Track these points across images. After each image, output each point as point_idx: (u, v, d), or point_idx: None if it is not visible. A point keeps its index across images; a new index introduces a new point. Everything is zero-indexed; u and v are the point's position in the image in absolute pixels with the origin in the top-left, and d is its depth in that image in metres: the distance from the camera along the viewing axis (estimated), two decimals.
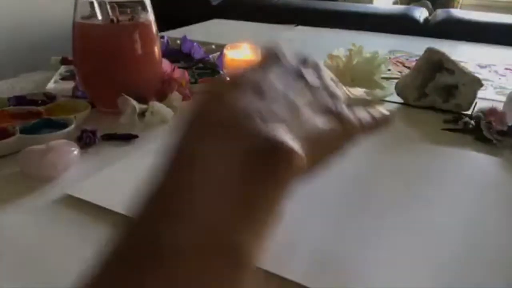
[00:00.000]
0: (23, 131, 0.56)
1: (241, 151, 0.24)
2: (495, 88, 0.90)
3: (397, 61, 1.08)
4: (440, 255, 0.39)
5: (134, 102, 0.63)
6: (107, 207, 0.44)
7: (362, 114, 0.34)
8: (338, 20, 1.65)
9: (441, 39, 1.39)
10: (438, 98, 0.74)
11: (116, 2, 0.64)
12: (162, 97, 0.70)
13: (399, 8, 1.73)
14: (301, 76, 0.32)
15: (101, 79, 0.66)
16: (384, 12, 1.71)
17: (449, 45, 1.24)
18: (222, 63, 0.83)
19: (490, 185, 0.52)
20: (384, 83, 0.78)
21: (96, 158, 0.55)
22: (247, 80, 0.28)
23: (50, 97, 0.68)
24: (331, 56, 0.78)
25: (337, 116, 0.32)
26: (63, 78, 0.80)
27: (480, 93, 0.73)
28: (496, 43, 1.35)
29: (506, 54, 1.23)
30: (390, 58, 1.11)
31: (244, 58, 0.83)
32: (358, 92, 0.66)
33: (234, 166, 0.24)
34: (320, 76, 0.35)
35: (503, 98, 0.74)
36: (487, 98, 0.82)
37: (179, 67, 0.76)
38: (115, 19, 0.64)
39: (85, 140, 0.57)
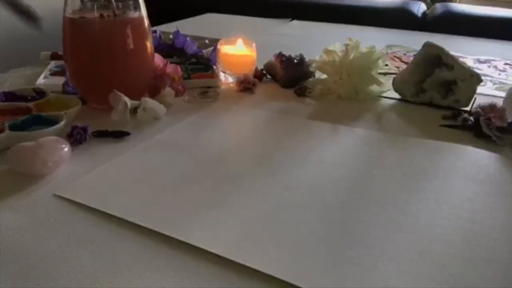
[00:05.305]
0: (13, 127, 0.55)
1: None
2: (494, 83, 0.89)
3: (395, 56, 1.07)
4: (438, 252, 0.39)
5: (126, 98, 0.61)
6: (96, 207, 0.43)
7: None
8: (334, 14, 1.63)
9: (439, 33, 1.38)
10: (436, 94, 0.73)
11: None
12: (154, 92, 0.69)
13: (397, 2, 1.71)
14: None
15: (92, 75, 0.65)
16: (381, 6, 1.70)
17: (447, 40, 1.23)
18: (216, 58, 0.82)
19: (490, 182, 0.51)
20: (381, 78, 0.77)
21: (87, 155, 0.54)
22: None
23: (39, 93, 0.67)
24: (327, 51, 0.77)
25: None
26: (53, 74, 0.80)
27: (479, 89, 0.72)
28: (496, 38, 1.33)
29: (506, 49, 1.22)
30: (387, 53, 1.10)
31: (238, 53, 0.82)
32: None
33: None
34: None
35: (503, 94, 0.73)
36: (487, 94, 0.81)
37: (171, 62, 0.75)
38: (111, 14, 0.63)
39: (76, 137, 0.56)
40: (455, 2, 2.07)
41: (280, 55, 0.82)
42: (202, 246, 0.38)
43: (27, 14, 0.61)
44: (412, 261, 0.38)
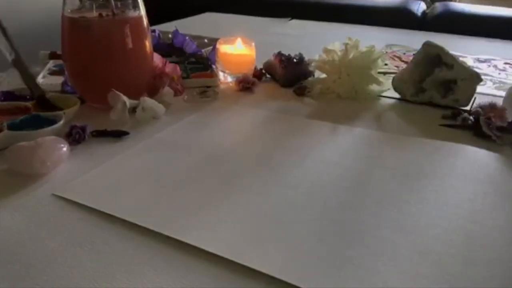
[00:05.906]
0: (11, 127, 0.55)
1: None
2: (494, 83, 0.89)
3: (394, 56, 1.07)
4: (438, 252, 0.38)
5: (125, 98, 0.61)
6: (95, 207, 0.43)
7: None
8: (334, 13, 1.63)
9: (439, 33, 1.38)
10: (436, 93, 0.73)
11: None
12: (153, 92, 0.69)
13: (397, 1, 1.70)
14: None
15: (91, 74, 0.65)
16: (381, 5, 1.69)
17: (447, 39, 1.23)
18: (215, 57, 0.82)
19: (490, 182, 0.51)
20: (381, 78, 0.77)
21: (86, 155, 0.54)
22: None
23: None
24: (326, 50, 0.77)
25: None
26: (52, 73, 0.79)
27: (479, 88, 0.72)
28: (496, 37, 1.33)
29: (506, 48, 1.22)
30: (387, 52, 1.09)
31: (237, 52, 0.82)
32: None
33: None
34: None
35: (503, 93, 0.73)
36: (486, 93, 0.80)
37: (170, 62, 0.74)
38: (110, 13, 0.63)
39: (75, 137, 0.56)
40: (455, 1, 2.07)
41: (279, 55, 0.82)
42: (202, 246, 0.38)
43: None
44: (412, 261, 0.37)
